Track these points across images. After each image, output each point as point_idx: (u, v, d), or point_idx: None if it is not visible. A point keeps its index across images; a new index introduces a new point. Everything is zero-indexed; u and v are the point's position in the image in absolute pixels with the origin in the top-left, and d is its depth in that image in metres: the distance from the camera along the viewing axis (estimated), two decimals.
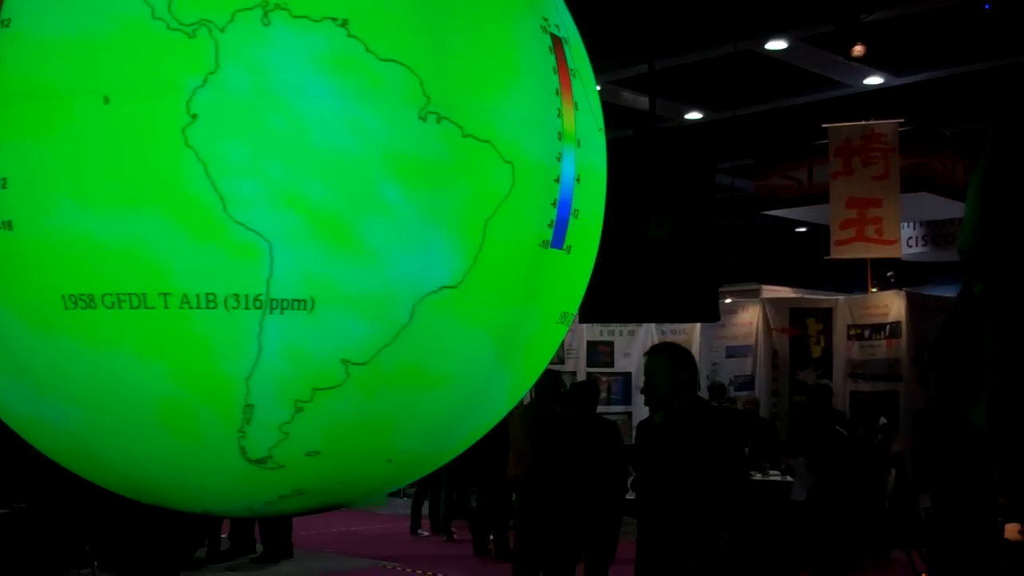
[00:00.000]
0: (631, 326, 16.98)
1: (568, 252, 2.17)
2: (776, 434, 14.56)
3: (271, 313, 1.81)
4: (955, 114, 16.19)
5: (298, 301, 1.81)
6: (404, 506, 16.36)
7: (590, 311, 7.19)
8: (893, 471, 13.23)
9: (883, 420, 12.85)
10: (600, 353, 17.42)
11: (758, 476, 14.02)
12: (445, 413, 2.14)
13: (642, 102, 14.00)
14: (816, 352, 15.31)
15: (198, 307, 1.81)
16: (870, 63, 13.01)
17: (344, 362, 1.88)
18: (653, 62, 7.96)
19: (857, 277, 19.35)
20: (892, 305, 14.56)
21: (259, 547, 12.54)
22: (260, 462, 1.98)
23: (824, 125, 14.90)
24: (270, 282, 1.79)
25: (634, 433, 13.56)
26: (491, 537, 13.20)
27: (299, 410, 1.91)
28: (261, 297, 1.80)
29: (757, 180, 17.39)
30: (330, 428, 1.97)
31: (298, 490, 2.12)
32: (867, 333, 14.66)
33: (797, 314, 15.53)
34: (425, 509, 15.44)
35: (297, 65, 1.77)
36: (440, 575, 12.18)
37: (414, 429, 2.10)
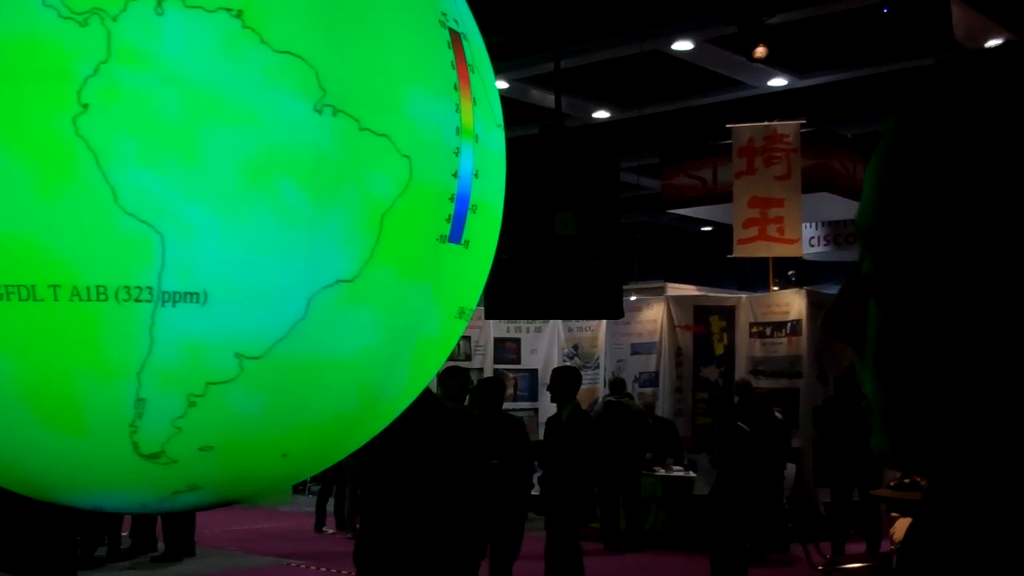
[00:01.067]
0: (538, 323, 17.07)
1: (466, 247, 2.17)
2: (675, 431, 14.74)
3: (163, 306, 1.78)
4: (856, 116, 16.51)
5: (190, 294, 1.79)
6: (309, 503, 16.27)
7: (496, 308, 7.21)
8: (793, 466, 13.47)
9: (778, 414, 13.07)
10: (507, 350, 17.49)
11: (661, 471, 14.19)
12: (341, 408, 2.13)
13: (550, 100, 14.05)
14: (719, 349, 15.52)
15: (88, 299, 1.77)
16: (774, 65, 13.22)
17: (238, 356, 1.86)
18: (559, 60, 7.99)
19: (760, 276, 19.64)
20: (793, 303, 14.82)
21: (161, 545, 12.39)
22: (153, 457, 1.95)
23: (728, 125, 15.10)
24: (162, 275, 1.76)
25: (541, 429, 13.65)
26: None
27: (192, 404, 1.89)
28: (153, 290, 1.77)
29: (663, 179, 17.58)
30: (224, 423, 1.94)
31: (192, 485, 2.09)
32: (769, 331, 14.90)
33: (701, 312, 15.73)
34: (330, 506, 15.36)
35: (191, 55, 1.75)
36: (345, 572, 12.12)
37: (310, 424, 2.09)
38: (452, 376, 8.75)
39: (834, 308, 0.86)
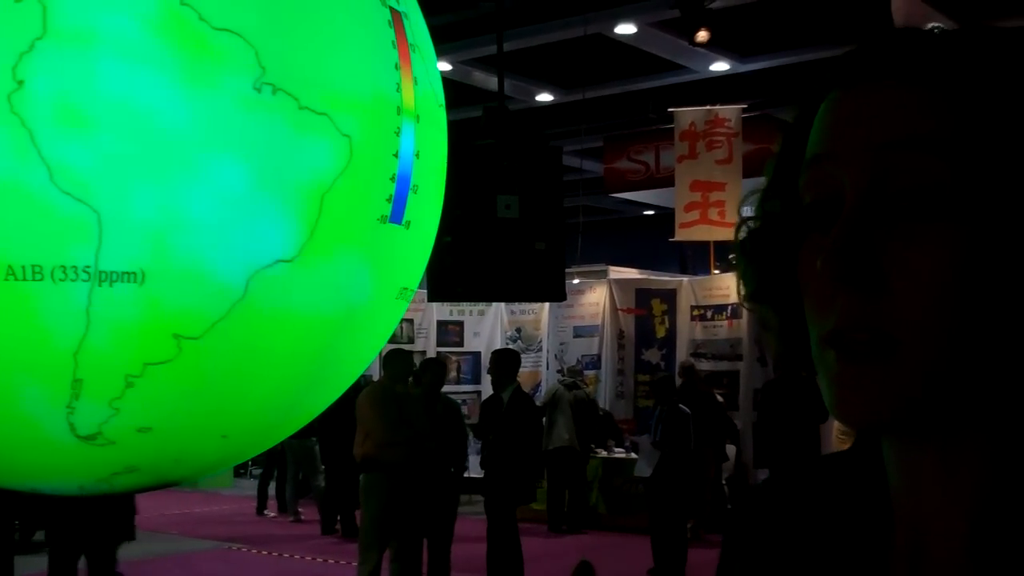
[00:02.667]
0: (481, 306, 17.06)
1: (407, 227, 2.16)
2: (610, 417, 14.85)
3: (100, 286, 1.76)
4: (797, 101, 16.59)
5: (128, 274, 1.77)
6: (250, 487, 16.17)
7: (439, 290, 7.18)
8: (733, 447, 13.60)
9: (719, 396, 13.19)
10: (450, 333, 17.46)
11: (603, 453, 14.28)
12: (281, 389, 2.12)
13: (494, 82, 14.04)
14: (661, 332, 15.60)
15: (24, 279, 1.75)
16: (716, 49, 13.27)
17: (176, 336, 1.85)
18: (502, 42, 7.97)
19: (701, 259, 19.75)
20: (733, 287, 14.84)
21: None
22: (90, 438, 1.94)
23: (670, 110, 15.16)
24: (99, 254, 1.75)
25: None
26: (338, 517, 13.15)
27: (130, 385, 1.87)
28: (90, 269, 1.75)
29: (606, 162, 17.62)
30: (162, 404, 1.93)
31: (130, 467, 2.08)
32: (709, 314, 15.00)
33: (642, 295, 15.80)
34: (272, 489, 15.28)
35: (129, 32, 1.73)
36: (286, 555, 12.09)
37: (249, 405, 2.08)
38: (394, 358, 8.73)
39: (854, 244, 0.81)
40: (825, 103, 0.90)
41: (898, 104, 0.84)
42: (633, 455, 13.41)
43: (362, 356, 2.36)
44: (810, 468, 1.05)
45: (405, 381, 8.78)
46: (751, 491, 1.10)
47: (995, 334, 0.81)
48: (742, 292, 0.97)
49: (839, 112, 0.87)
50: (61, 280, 1.75)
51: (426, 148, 2.19)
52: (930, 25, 0.87)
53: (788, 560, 0.99)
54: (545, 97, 15.81)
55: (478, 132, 7.44)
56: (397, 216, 2.10)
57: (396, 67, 2.07)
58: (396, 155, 2.06)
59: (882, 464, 0.93)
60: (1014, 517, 0.84)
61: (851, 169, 0.84)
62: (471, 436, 10.60)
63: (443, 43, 12.77)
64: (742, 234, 0.98)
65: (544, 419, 12.68)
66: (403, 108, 2.08)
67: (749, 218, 0.99)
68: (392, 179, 2.06)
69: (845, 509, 0.96)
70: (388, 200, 2.07)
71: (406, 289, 2.33)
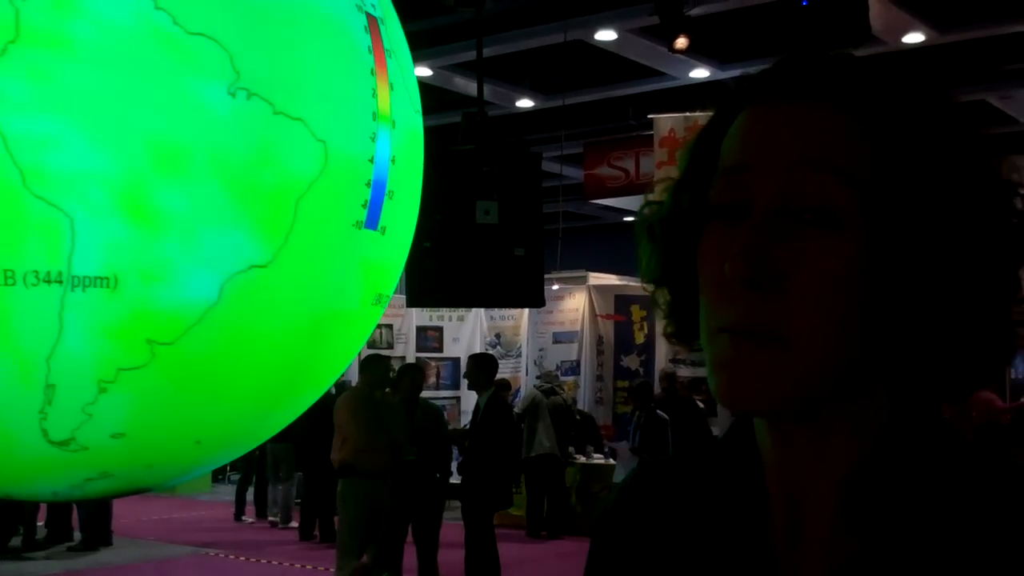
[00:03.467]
0: (460, 311, 17.06)
1: (383, 233, 2.16)
2: (590, 421, 14.84)
3: (73, 291, 1.75)
4: None
5: (101, 279, 1.76)
6: (229, 492, 16.12)
7: (418, 296, 7.17)
8: None
9: (700, 402, 13.21)
10: (429, 338, 17.46)
11: (582, 459, 14.29)
12: (255, 395, 2.11)
13: (474, 88, 14.05)
14: (640, 338, 15.63)
15: None
16: (696, 56, 13.30)
17: (149, 342, 1.84)
18: (481, 48, 7.97)
19: None
20: None
21: (77, 535, 12.21)
22: (63, 444, 1.92)
23: (649, 116, 15.18)
24: (72, 259, 1.73)
25: (464, 417, 13.62)
26: (317, 522, 13.12)
27: (103, 391, 1.86)
28: (62, 274, 1.74)
29: (585, 169, 17.62)
30: (135, 409, 1.92)
31: (104, 473, 2.07)
32: None
33: (622, 301, 15.84)
34: (251, 495, 15.23)
35: (102, 36, 1.72)
36: (264, 561, 12.05)
37: (223, 411, 2.07)
38: (372, 364, 8.72)
39: (760, 247, 0.90)
40: (743, 115, 0.97)
41: (812, 125, 0.92)
42: (612, 461, 13.42)
43: (337, 362, 2.35)
44: (683, 455, 1.13)
45: (383, 387, 8.77)
46: (620, 484, 1.17)
47: (878, 333, 0.90)
48: (645, 272, 1.07)
49: (757, 127, 0.95)
50: (34, 285, 1.74)
51: (402, 154, 2.18)
52: (851, 52, 0.93)
53: (664, 544, 1.05)
54: (525, 103, 15.81)
55: (458, 138, 7.44)
56: (372, 222, 2.10)
57: (372, 72, 2.07)
58: (372, 160, 2.06)
59: (755, 446, 1.01)
60: (883, 484, 0.92)
61: (763, 181, 0.92)
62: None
63: (423, 49, 12.80)
64: (645, 216, 1.10)
65: (524, 426, 12.67)
66: (379, 114, 2.08)
67: (652, 202, 1.12)
68: (368, 185, 2.06)
69: (721, 491, 1.02)
70: (363, 206, 2.06)
71: (382, 295, 2.32)
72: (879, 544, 0.89)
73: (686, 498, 1.04)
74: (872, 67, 0.94)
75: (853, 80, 0.92)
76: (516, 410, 12.35)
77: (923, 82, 0.93)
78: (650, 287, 1.07)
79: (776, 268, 0.89)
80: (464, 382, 12.87)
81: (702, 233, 0.97)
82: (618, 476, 11.43)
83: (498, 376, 10.39)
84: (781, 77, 0.96)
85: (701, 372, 14.76)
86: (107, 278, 1.76)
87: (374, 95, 2.06)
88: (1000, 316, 0.90)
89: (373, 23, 2.11)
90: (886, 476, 0.92)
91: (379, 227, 2.13)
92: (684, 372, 14.48)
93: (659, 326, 1.08)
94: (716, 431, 13.71)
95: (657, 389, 12.77)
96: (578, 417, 14.44)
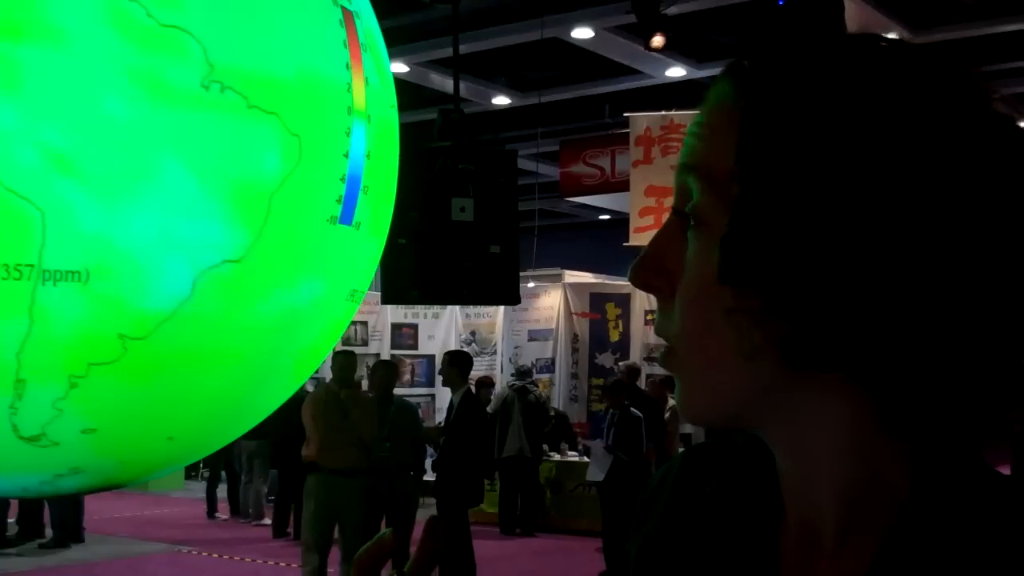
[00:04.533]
0: (435, 308, 17.05)
1: (357, 229, 2.15)
2: (564, 419, 14.85)
3: (44, 284, 1.73)
4: None
5: (72, 272, 1.74)
6: (201, 489, 16.06)
7: (392, 293, 7.16)
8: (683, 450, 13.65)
9: (671, 401, 13.24)
10: (404, 335, 17.45)
11: (556, 457, 14.30)
12: (228, 391, 2.10)
13: (450, 85, 14.03)
14: (615, 336, 15.66)
15: None
16: (673, 55, 13.32)
17: (121, 337, 1.82)
18: (457, 45, 7.96)
19: None
20: None
21: (49, 532, 12.15)
22: (33, 440, 1.91)
23: (625, 114, 15.20)
24: (43, 252, 1.72)
25: (438, 415, 13.59)
26: (290, 519, 13.09)
27: (74, 386, 1.84)
28: (33, 268, 1.72)
29: (561, 167, 17.63)
30: (107, 405, 1.90)
31: (74, 469, 2.05)
32: None
33: (597, 299, 15.87)
34: (223, 492, 15.18)
35: (74, 27, 1.70)
36: (237, 558, 12.01)
37: (196, 407, 2.06)
38: (338, 360, 8.70)
39: (650, 254, 0.88)
40: None
41: (700, 128, 0.89)
42: (586, 459, 13.44)
43: (311, 358, 2.34)
44: (714, 449, 1.07)
45: (350, 383, 8.74)
46: (688, 452, 1.12)
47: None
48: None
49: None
50: (4, 279, 1.72)
51: (377, 149, 2.17)
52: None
53: (690, 536, 1.01)
54: (501, 100, 15.81)
55: (434, 134, 7.43)
56: (347, 217, 2.09)
57: (347, 67, 2.06)
58: (346, 156, 2.05)
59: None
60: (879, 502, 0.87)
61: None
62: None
63: (400, 45, 12.77)
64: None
65: (496, 427, 12.67)
66: (354, 108, 2.06)
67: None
68: (342, 180, 2.05)
69: (740, 493, 0.98)
70: (338, 201, 2.05)
71: (356, 291, 2.31)
72: (885, 563, 0.85)
73: (713, 492, 1.01)
74: (764, 58, 0.88)
75: (749, 73, 0.87)
76: (488, 409, 12.34)
77: (831, 72, 0.84)
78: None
79: (666, 276, 0.88)
80: (439, 379, 12.85)
81: None
82: (591, 474, 11.44)
83: (473, 373, 10.39)
84: (716, 74, 0.93)
85: None
86: (78, 272, 1.74)
87: (349, 90, 2.05)
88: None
89: (349, 17, 2.10)
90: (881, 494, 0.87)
91: (354, 222, 2.12)
92: (659, 370, 14.51)
93: (633, 324, 1.05)
94: (691, 429, 13.76)
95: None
96: (552, 415, 14.45)
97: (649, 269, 0.87)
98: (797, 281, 0.79)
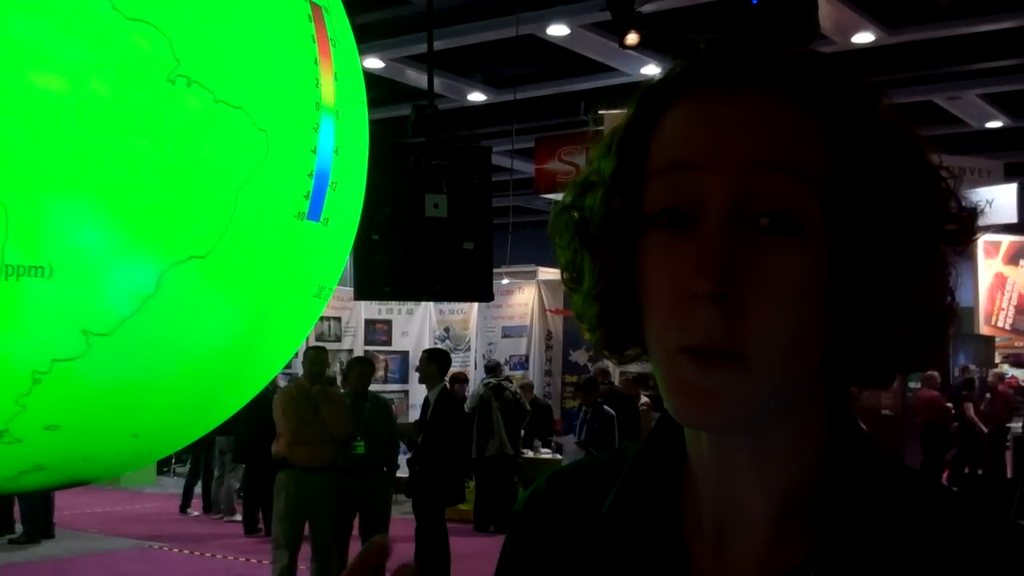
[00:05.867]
0: (409, 305, 17.01)
1: (325, 225, 2.14)
2: (548, 411, 14.84)
3: (6, 280, 1.71)
4: None
5: (35, 268, 1.72)
6: (174, 484, 15.98)
7: (366, 288, 7.14)
8: None
9: (645, 398, 13.27)
10: (378, 331, 17.39)
11: (529, 453, 14.30)
12: (194, 387, 2.08)
13: (425, 81, 14.01)
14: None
15: None
16: (647, 52, 13.34)
17: (84, 332, 1.81)
18: (432, 41, 7.95)
19: None
20: None
21: (19, 527, 12.07)
22: None
23: (600, 112, 15.19)
24: (5, 248, 1.70)
25: (412, 411, 13.56)
26: (260, 516, 13.04)
27: (37, 382, 1.82)
28: None
29: (536, 163, 17.63)
30: (70, 401, 1.88)
31: (38, 465, 2.03)
32: None
33: (571, 296, 15.85)
34: (198, 488, 15.11)
35: (39, 23, 1.69)
36: (208, 555, 11.96)
37: (161, 403, 2.04)
38: (310, 356, 8.66)
39: (719, 261, 0.82)
40: (679, 107, 0.89)
41: (771, 121, 0.85)
42: (559, 456, 13.45)
43: (278, 354, 2.32)
44: (599, 459, 1.08)
45: (321, 379, 8.71)
46: (533, 487, 1.12)
47: (836, 340, 0.87)
48: (588, 285, 0.96)
49: (702, 121, 0.87)
50: None
51: (346, 144, 2.16)
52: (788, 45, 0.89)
53: (577, 550, 1.01)
54: (476, 96, 15.79)
55: (408, 130, 7.41)
56: (315, 213, 2.07)
57: (315, 62, 2.04)
58: (314, 151, 2.03)
59: (682, 452, 0.98)
60: (823, 491, 0.90)
61: (721, 182, 0.84)
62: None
63: (374, 40, 12.74)
64: (566, 222, 0.98)
65: (475, 426, 12.65)
66: (322, 104, 2.05)
67: (570, 207, 0.98)
68: (310, 175, 2.03)
69: (638, 500, 0.98)
70: (306, 197, 2.03)
71: (323, 287, 2.30)
72: (819, 556, 0.87)
73: (603, 503, 1.00)
74: (819, 61, 0.88)
75: (804, 73, 0.86)
76: (465, 408, 12.32)
77: (870, 81, 0.88)
78: (579, 298, 0.98)
79: (740, 282, 0.82)
80: (414, 376, 12.83)
81: (639, 243, 0.89)
82: None
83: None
84: (721, 65, 0.88)
85: (648, 367, 14.83)
86: (41, 267, 1.73)
87: (317, 85, 2.04)
88: (942, 308, 0.88)
89: (317, 12, 2.08)
90: (828, 490, 0.90)
91: (322, 218, 2.11)
92: (633, 367, 14.52)
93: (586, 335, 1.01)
94: None
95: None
96: (528, 408, 14.42)
97: (721, 277, 0.82)
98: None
